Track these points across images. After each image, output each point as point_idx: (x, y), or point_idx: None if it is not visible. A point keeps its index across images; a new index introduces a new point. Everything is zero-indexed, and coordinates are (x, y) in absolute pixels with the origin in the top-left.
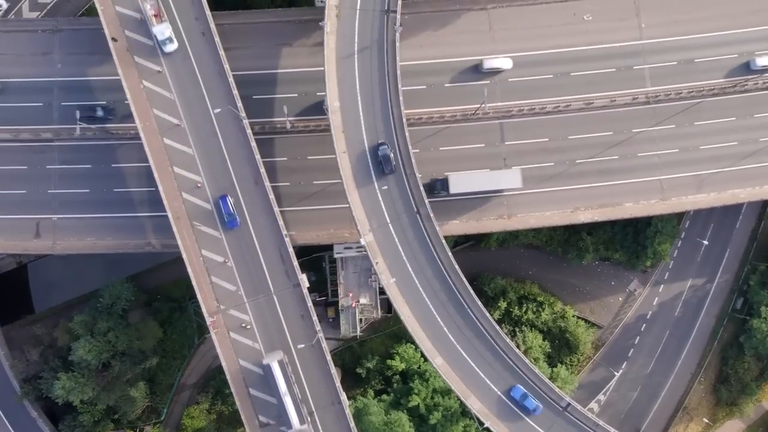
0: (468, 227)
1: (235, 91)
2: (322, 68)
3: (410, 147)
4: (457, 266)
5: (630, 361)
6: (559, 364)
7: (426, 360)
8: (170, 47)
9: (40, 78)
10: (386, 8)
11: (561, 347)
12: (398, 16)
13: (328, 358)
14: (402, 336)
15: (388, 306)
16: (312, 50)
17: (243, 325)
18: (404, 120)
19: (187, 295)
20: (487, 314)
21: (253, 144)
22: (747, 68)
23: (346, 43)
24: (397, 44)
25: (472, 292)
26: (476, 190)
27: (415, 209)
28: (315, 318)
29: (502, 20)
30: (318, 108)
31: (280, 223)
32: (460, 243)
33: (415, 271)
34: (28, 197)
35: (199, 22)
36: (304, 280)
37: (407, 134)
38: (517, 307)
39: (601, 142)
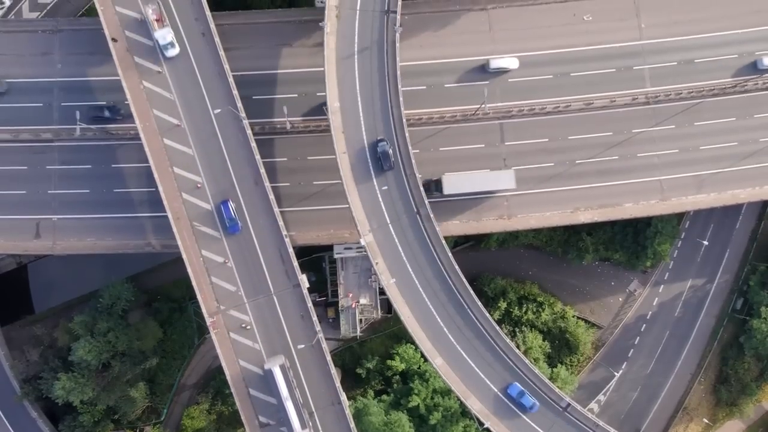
0: (468, 228)
1: (235, 92)
2: (322, 69)
3: (410, 147)
4: (457, 267)
5: (630, 361)
6: (559, 365)
7: (426, 360)
8: (172, 52)
9: (40, 78)
10: (386, 9)
11: (561, 347)
12: (398, 17)
13: (328, 358)
14: (402, 336)
15: (388, 306)
16: (312, 51)
17: (243, 325)
18: (404, 120)
19: (187, 295)
20: (487, 314)
21: (253, 144)
22: (748, 68)
23: (346, 43)
24: (397, 45)
25: (472, 292)
26: (470, 191)
27: (415, 210)
28: (315, 318)
29: (502, 20)
30: (318, 108)
31: (280, 223)
32: (460, 243)
33: (415, 271)
34: (28, 197)
35: (199, 23)
36: (304, 280)
37: (407, 134)
38: (517, 308)
39: (601, 143)
